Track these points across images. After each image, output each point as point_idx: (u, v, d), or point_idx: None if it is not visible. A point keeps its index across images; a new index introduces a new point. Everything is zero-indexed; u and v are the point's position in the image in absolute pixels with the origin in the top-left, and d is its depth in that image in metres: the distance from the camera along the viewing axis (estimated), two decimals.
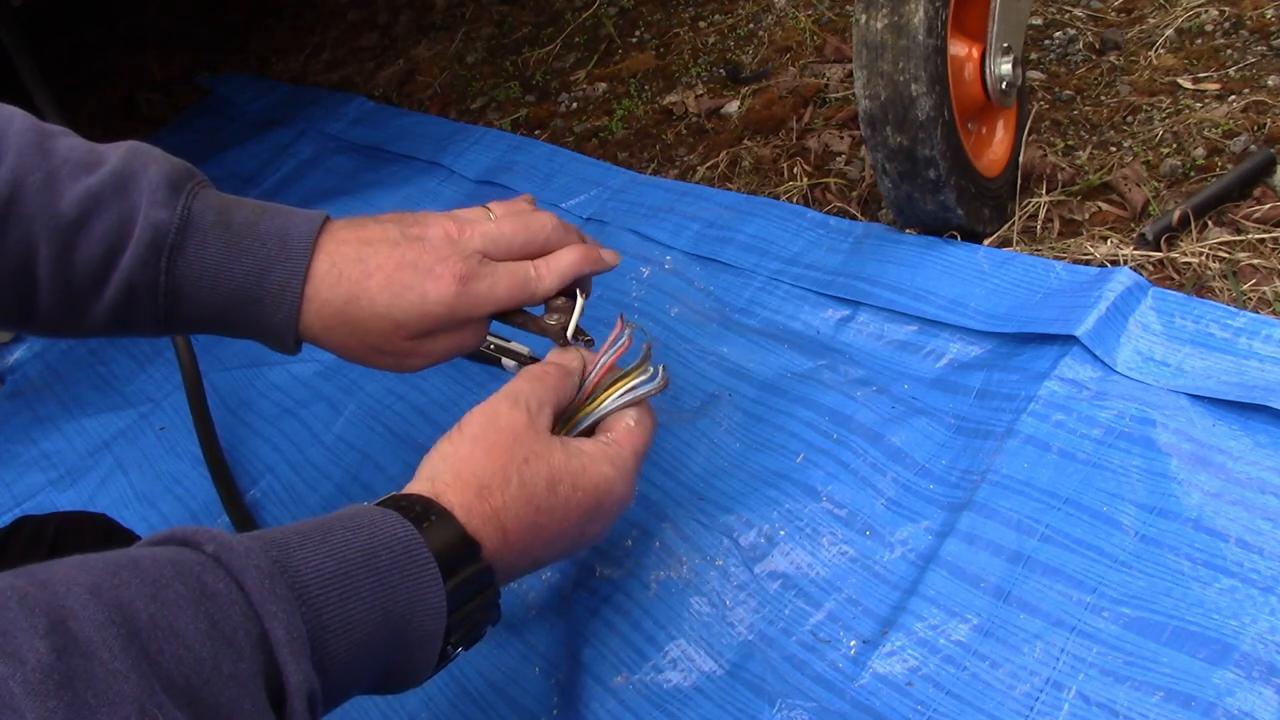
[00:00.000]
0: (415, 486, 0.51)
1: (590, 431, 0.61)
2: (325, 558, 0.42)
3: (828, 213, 0.88)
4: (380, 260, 0.59)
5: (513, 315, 0.64)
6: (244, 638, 0.36)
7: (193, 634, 0.34)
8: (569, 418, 0.61)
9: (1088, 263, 0.74)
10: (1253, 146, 0.80)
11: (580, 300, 0.64)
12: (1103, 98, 0.92)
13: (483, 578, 0.49)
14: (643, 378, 0.60)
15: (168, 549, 0.38)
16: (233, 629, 0.36)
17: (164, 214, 0.57)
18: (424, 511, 0.48)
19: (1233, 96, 0.86)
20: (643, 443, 0.59)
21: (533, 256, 0.62)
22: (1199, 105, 0.86)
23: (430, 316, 0.59)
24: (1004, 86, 0.77)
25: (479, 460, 0.52)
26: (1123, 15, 1.01)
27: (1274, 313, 0.66)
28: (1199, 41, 0.94)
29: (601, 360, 0.62)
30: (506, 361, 0.89)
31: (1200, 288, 0.71)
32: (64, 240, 0.56)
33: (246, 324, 0.60)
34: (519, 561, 0.52)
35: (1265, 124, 0.82)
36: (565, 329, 0.63)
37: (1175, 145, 0.84)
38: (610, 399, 0.60)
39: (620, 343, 0.62)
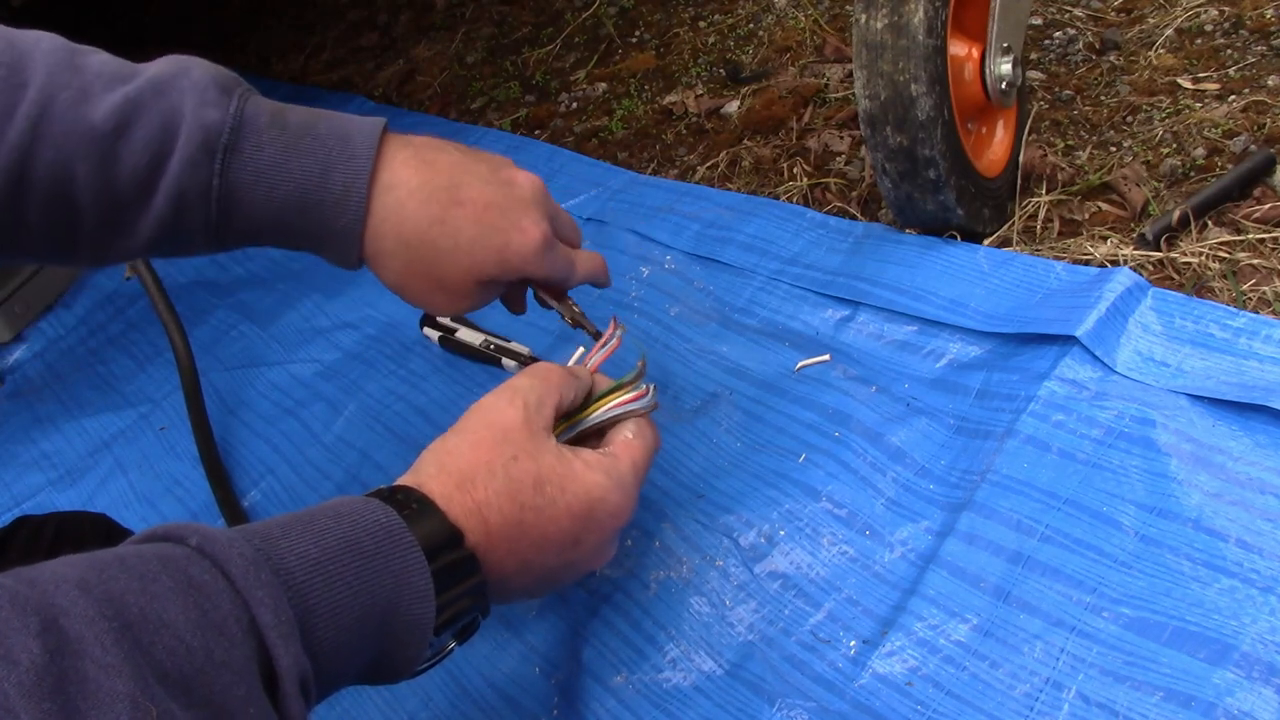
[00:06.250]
0: (402, 479, 0.51)
1: (582, 440, 0.61)
2: (309, 545, 0.42)
3: (828, 213, 0.88)
4: (473, 193, 0.58)
5: (550, 291, 0.66)
6: (234, 625, 0.36)
7: (183, 624, 0.34)
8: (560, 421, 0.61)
9: (1088, 263, 0.74)
10: (1253, 146, 0.80)
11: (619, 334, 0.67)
12: (1103, 98, 0.92)
13: (466, 565, 0.49)
14: (636, 393, 0.61)
15: (153, 545, 0.38)
16: (222, 617, 0.36)
17: (215, 114, 0.54)
18: (405, 500, 0.48)
19: (1233, 96, 0.86)
20: (641, 456, 0.58)
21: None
22: (1199, 105, 0.86)
23: (504, 265, 0.59)
24: (1004, 86, 0.77)
25: (464, 454, 0.52)
26: (1123, 15, 1.01)
27: (1274, 313, 0.66)
28: (1199, 41, 0.94)
29: (593, 359, 0.63)
30: (507, 362, 0.89)
31: (1200, 288, 0.71)
32: (103, 153, 0.53)
33: (306, 231, 0.57)
34: (506, 560, 0.51)
35: (1265, 124, 0.82)
36: (584, 316, 0.67)
37: (1175, 145, 0.84)
38: (602, 409, 0.60)
39: (611, 343, 0.64)
